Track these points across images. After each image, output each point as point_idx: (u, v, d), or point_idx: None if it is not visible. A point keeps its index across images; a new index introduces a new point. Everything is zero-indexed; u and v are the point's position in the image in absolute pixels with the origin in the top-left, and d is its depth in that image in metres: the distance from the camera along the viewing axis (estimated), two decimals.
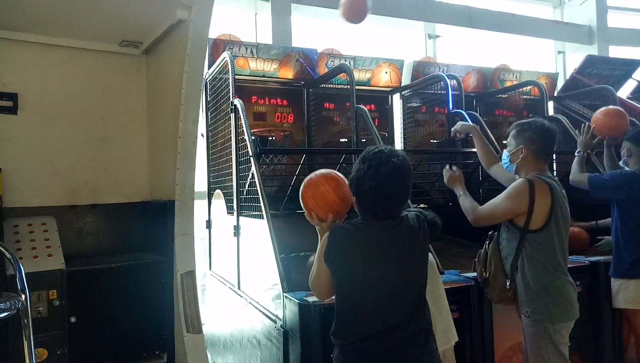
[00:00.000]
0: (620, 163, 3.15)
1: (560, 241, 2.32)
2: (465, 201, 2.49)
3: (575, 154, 3.09)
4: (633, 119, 4.48)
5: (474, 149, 2.87)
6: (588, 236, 3.47)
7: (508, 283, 2.34)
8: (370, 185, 1.74)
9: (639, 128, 3.14)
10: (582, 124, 3.20)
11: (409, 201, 3.02)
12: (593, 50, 7.28)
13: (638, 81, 5.84)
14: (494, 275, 2.39)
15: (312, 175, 1.94)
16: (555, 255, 2.31)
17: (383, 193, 1.75)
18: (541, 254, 2.29)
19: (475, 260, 2.53)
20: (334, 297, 1.85)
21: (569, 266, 2.40)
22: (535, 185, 2.28)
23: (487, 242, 2.49)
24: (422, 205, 3.83)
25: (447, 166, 2.68)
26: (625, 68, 5.75)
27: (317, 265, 1.84)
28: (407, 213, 1.87)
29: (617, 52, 7.57)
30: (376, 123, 4.36)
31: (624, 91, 5.83)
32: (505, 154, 2.51)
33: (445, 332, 2.11)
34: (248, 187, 3.03)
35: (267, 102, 4.21)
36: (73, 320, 2.69)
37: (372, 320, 1.77)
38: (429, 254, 2.14)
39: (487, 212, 2.39)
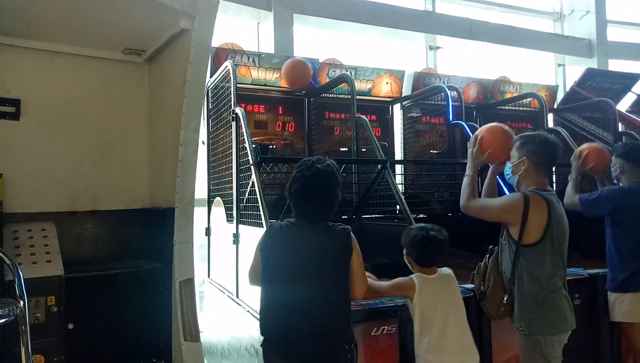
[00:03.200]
0: (613, 180, 3.15)
1: (557, 255, 2.31)
2: (468, 185, 2.46)
3: (569, 179, 3.07)
4: (632, 132, 4.50)
5: None
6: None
7: (506, 298, 2.33)
8: (296, 188, 2.00)
9: (630, 145, 3.16)
10: (576, 151, 3.16)
11: (413, 216, 3.04)
12: (593, 63, 7.31)
13: (637, 95, 5.87)
14: (492, 289, 2.38)
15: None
16: (551, 269, 2.29)
17: (308, 194, 1.98)
18: (536, 268, 2.28)
19: (474, 272, 2.52)
20: None
21: (567, 278, 2.38)
22: (530, 200, 2.27)
23: (487, 256, 2.48)
24: (421, 215, 3.84)
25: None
26: (625, 82, 5.77)
27: (255, 252, 2.07)
28: (339, 225, 2.03)
29: (616, 65, 7.60)
30: (376, 133, 4.39)
31: (624, 105, 5.85)
32: (507, 165, 2.48)
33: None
34: (248, 195, 3.03)
35: (268, 111, 4.23)
36: (70, 326, 2.69)
37: (285, 321, 1.92)
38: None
39: (478, 207, 2.42)
